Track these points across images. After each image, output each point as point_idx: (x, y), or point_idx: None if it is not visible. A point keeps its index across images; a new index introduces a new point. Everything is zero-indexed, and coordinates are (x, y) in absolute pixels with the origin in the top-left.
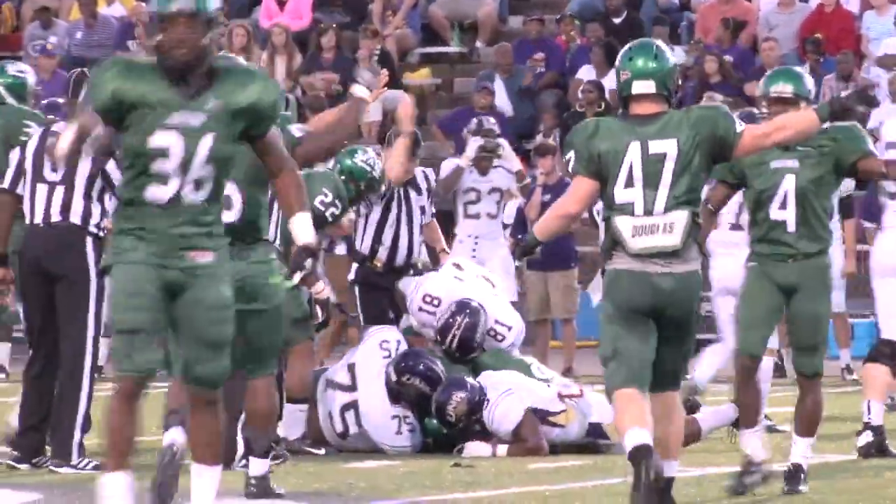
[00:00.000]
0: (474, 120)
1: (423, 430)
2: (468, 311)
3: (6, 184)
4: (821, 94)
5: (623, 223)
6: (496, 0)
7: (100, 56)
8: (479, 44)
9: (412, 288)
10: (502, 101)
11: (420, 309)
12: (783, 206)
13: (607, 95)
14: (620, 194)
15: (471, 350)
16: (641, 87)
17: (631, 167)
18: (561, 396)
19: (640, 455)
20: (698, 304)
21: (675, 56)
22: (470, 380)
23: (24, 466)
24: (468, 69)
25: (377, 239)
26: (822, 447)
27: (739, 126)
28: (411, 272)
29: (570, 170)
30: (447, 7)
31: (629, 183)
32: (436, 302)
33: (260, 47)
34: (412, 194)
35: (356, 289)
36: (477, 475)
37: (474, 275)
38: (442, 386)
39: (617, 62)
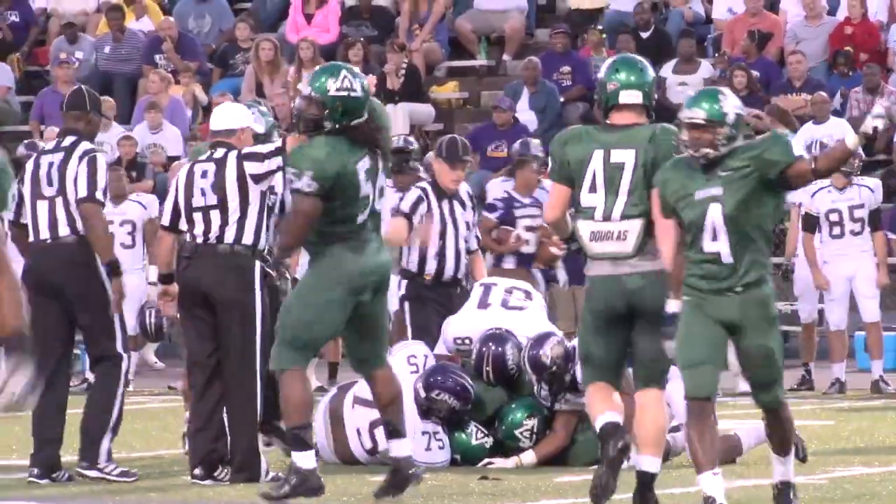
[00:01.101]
0: (518, 143)
1: (451, 445)
2: (493, 341)
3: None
4: (847, 106)
5: (584, 227)
6: (523, 13)
7: (127, 70)
8: (506, 57)
9: (443, 331)
10: (527, 115)
11: (458, 350)
12: (714, 237)
13: None
14: (585, 199)
15: (508, 376)
16: (628, 97)
17: (594, 174)
18: None
19: (607, 432)
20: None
21: (702, 70)
22: None
23: (44, 482)
24: (495, 82)
25: (424, 254)
26: (849, 460)
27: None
28: (458, 288)
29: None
30: (474, 20)
31: (592, 188)
32: (467, 341)
33: (287, 61)
34: (457, 208)
35: (406, 304)
36: (503, 488)
37: (503, 290)
38: (531, 340)
39: (601, 74)
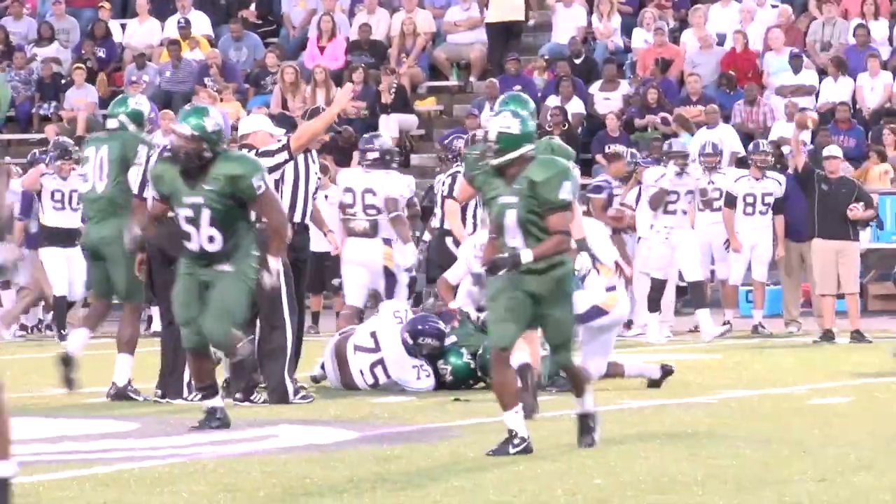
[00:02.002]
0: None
1: (447, 367)
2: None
3: (135, 191)
4: (732, 114)
5: None
6: (485, 45)
7: (183, 89)
8: (472, 79)
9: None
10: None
11: None
12: (512, 235)
13: (570, 118)
14: None
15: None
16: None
17: None
18: (618, 266)
19: (523, 369)
20: None
21: (622, 88)
22: None
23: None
24: (464, 98)
25: None
26: (733, 385)
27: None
28: None
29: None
30: (447, 51)
31: None
32: None
33: (305, 83)
34: None
35: None
36: (473, 406)
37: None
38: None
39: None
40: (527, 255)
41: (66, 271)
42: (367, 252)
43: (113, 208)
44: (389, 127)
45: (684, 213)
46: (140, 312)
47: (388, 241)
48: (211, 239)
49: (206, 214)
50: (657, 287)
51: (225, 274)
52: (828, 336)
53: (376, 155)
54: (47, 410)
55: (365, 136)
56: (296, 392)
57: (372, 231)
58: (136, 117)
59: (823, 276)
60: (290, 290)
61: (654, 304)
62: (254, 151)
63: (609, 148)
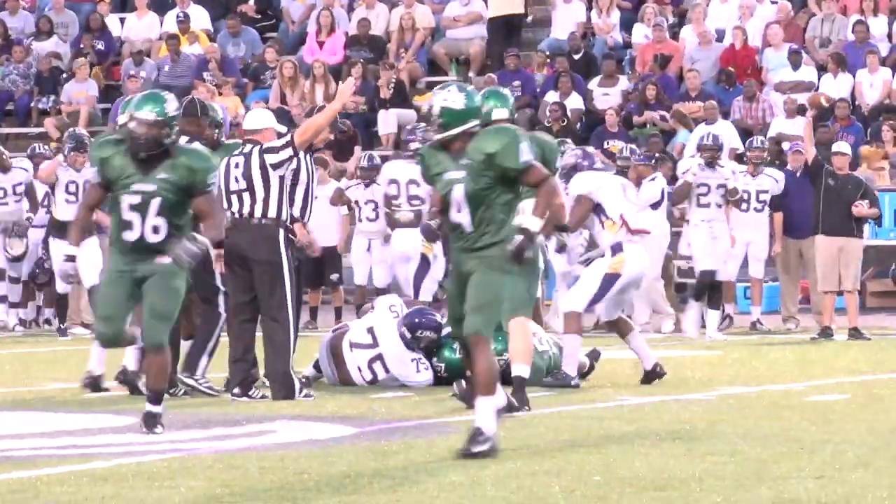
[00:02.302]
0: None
1: (440, 360)
2: None
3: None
4: (731, 110)
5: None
6: (484, 40)
7: (181, 84)
8: (471, 74)
9: None
10: None
11: None
12: (458, 210)
13: (569, 114)
14: None
15: None
16: (499, 114)
17: None
18: (623, 221)
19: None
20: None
21: (620, 83)
22: None
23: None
24: None
25: None
26: (731, 381)
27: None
28: None
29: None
30: (447, 46)
31: None
32: None
33: (304, 77)
34: None
35: None
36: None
37: None
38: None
39: (478, 100)
40: (531, 222)
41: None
42: (412, 241)
43: None
44: (388, 122)
45: (718, 206)
46: None
47: None
48: (155, 229)
49: (155, 203)
50: (705, 280)
51: (161, 269)
52: (826, 333)
53: (418, 145)
54: (45, 405)
55: (407, 126)
56: (300, 389)
57: (416, 221)
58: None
59: (826, 273)
60: (293, 285)
61: (699, 295)
62: (258, 147)
63: (607, 144)
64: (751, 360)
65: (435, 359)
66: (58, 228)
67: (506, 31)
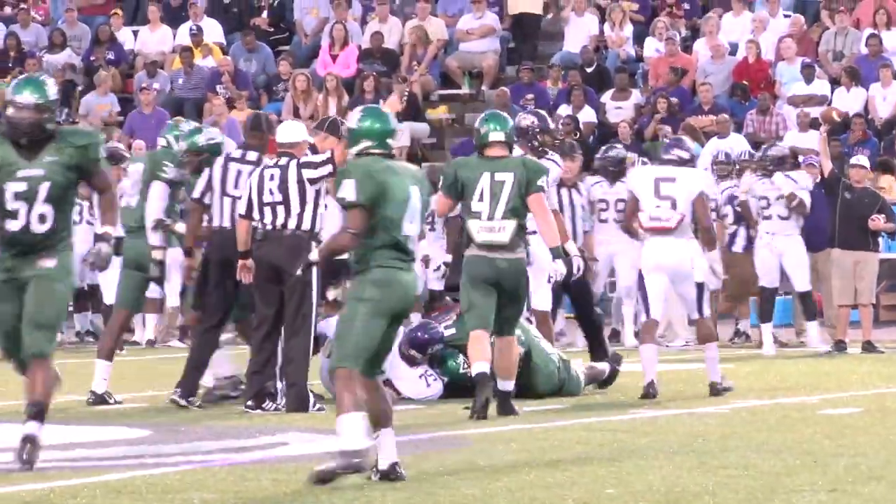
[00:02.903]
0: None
1: (443, 373)
2: None
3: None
4: (745, 123)
5: (473, 225)
6: (497, 53)
7: (195, 96)
8: (484, 87)
9: None
10: None
11: None
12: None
13: (581, 127)
14: (475, 206)
15: None
16: (496, 136)
17: (482, 188)
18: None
19: (479, 379)
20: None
21: (633, 97)
22: None
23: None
24: (476, 107)
25: None
26: (744, 395)
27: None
28: None
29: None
30: (460, 59)
31: (480, 198)
32: None
33: (317, 90)
34: None
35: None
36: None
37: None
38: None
39: (476, 123)
40: (314, 254)
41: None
42: None
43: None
44: (401, 135)
45: (781, 217)
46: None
47: None
48: (42, 218)
49: (43, 188)
50: (768, 297)
51: (46, 273)
52: (840, 346)
53: None
54: (59, 417)
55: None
56: (314, 402)
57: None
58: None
59: (842, 287)
60: (318, 300)
61: (767, 315)
62: (294, 161)
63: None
64: (764, 373)
65: (438, 370)
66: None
67: (525, 28)
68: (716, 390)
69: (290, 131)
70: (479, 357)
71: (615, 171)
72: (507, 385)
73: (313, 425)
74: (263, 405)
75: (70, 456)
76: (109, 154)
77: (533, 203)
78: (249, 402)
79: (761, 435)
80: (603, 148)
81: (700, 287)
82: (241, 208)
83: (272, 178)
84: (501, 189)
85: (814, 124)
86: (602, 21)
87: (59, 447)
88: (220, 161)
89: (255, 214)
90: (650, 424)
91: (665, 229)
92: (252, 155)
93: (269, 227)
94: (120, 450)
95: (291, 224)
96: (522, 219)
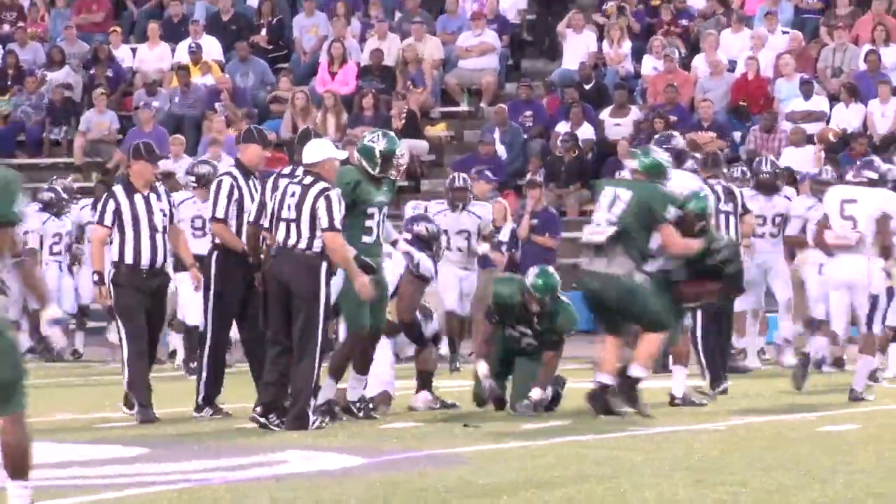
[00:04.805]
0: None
1: None
2: None
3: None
4: (747, 140)
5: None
6: (496, 71)
7: (193, 114)
8: (483, 104)
9: None
10: (499, 148)
11: None
12: None
13: (580, 144)
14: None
15: None
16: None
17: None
18: None
19: (593, 394)
20: None
21: (632, 114)
22: None
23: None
24: (475, 124)
25: None
26: (741, 412)
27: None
28: None
29: None
30: (459, 76)
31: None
32: None
33: (316, 108)
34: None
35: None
36: (480, 434)
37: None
38: None
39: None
40: None
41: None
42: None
43: None
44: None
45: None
46: None
47: None
48: None
49: None
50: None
51: None
52: (838, 364)
53: None
54: (56, 435)
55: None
56: (314, 421)
57: None
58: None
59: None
60: (326, 320)
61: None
62: (319, 183)
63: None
64: (761, 391)
65: None
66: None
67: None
68: (855, 397)
69: (313, 151)
70: (606, 367)
71: (773, 186)
72: (637, 370)
73: (311, 443)
74: (269, 417)
75: (66, 474)
76: (197, 176)
77: None
78: (258, 409)
79: (759, 452)
80: (756, 160)
81: (874, 301)
82: (253, 215)
83: (293, 194)
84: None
85: (810, 140)
86: (600, 38)
87: (56, 465)
88: (269, 181)
89: (266, 224)
90: (647, 441)
91: (846, 246)
92: (299, 170)
93: (281, 244)
94: (116, 468)
95: (302, 243)
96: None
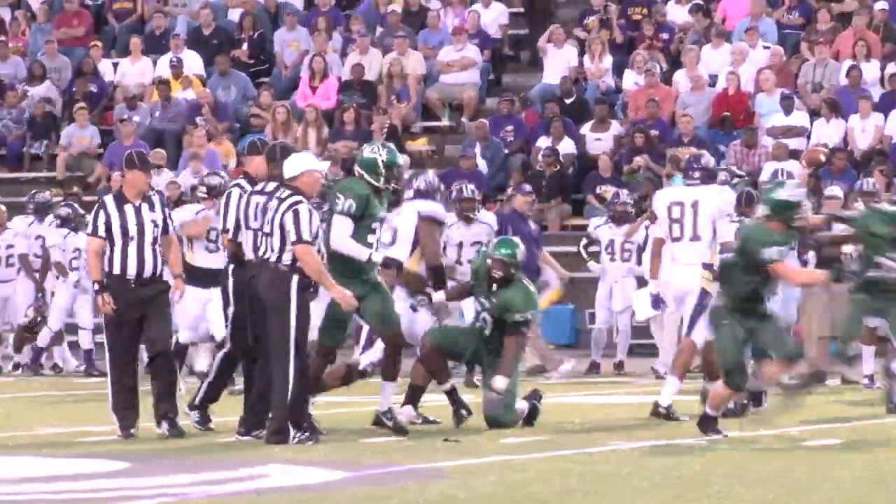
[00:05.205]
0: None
1: None
2: None
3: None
4: (727, 154)
5: None
6: (477, 86)
7: (173, 128)
8: (464, 119)
9: None
10: (480, 163)
11: None
12: None
13: (561, 158)
14: None
15: None
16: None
17: None
18: None
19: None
20: None
21: (613, 128)
22: None
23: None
24: (456, 139)
25: None
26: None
27: None
28: None
29: None
30: (440, 91)
31: None
32: None
33: (297, 122)
34: None
35: None
36: (461, 448)
37: None
38: None
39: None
40: None
41: (202, 313)
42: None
43: None
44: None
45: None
46: None
47: None
48: None
49: None
50: None
51: None
52: (819, 377)
53: None
54: (38, 450)
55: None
56: (294, 435)
57: None
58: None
59: (821, 319)
60: (300, 333)
61: None
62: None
63: (599, 190)
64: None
65: None
66: (194, 276)
67: (534, 10)
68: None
69: (292, 165)
70: None
71: None
72: None
73: (292, 457)
74: (253, 433)
75: (50, 489)
76: (210, 188)
77: None
78: (241, 429)
79: (741, 465)
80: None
81: None
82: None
83: (260, 207)
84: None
85: (791, 155)
86: (581, 53)
87: (39, 479)
88: (243, 195)
89: (251, 241)
90: (628, 456)
91: None
92: (271, 186)
93: (256, 257)
94: (99, 482)
95: (273, 257)
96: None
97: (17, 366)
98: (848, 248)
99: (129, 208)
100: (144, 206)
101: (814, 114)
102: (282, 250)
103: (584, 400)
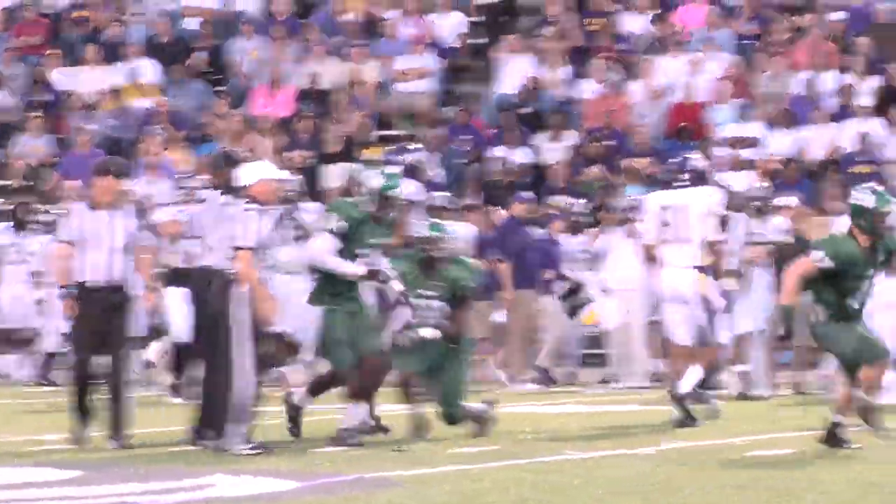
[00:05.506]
0: None
1: None
2: None
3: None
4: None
5: None
6: (433, 94)
7: (129, 136)
8: (420, 128)
9: None
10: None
11: None
12: None
13: (517, 168)
14: None
15: None
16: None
17: None
18: None
19: None
20: None
21: (568, 138)
22: None
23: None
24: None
25: None
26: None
27: None
28: None
29: None
30: (396, 100)
31: None
32: None
33: (253, 131)
34: None
35: None
36: (413, 457)
37: None
38: None
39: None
40: None
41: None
42: None
43: None
44: (336, 175)
45: None
46: None
47: None
48: None
49: None
50: None
51: None
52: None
53: None
54: None
55: None
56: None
57: None
58: None
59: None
60: (245, 341)
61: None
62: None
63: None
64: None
65: None
66: (175, 277)
67: (494, 20)
68: None
69: (246, 174)
70: None
71: None
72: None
73: (240, 466)
74: (205, 438)
75: (12, 497)
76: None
77: None
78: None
79: (692, 475)
80: None
81: None
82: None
83: (209, 213)
84: None
85: (746, 165)
86: (537, 62)
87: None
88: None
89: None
90: (580, 466)
91: None
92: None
93: (203, 263)
94: (50, 491)
95: (217, 263)
96: None
97: None
98: None
99: (98, 215)
100: (117, 213)
101: (769, 124)
102: (230, 257)
103: (537, 410)
